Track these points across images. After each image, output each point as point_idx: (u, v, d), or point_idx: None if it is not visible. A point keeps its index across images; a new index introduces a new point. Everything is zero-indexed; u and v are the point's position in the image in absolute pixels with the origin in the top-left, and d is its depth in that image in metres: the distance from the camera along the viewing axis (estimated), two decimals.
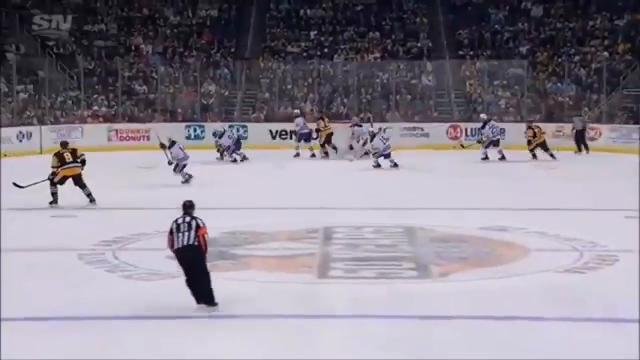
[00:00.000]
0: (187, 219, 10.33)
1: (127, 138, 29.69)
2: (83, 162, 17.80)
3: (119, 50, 35.81)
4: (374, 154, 24.84)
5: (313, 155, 27.68)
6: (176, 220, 10.32)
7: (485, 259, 13.37)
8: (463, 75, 35.32)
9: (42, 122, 29.93)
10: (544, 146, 27.19)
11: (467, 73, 35.37)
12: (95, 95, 33.18)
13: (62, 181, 17.50)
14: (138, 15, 38.03)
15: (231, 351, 8.77)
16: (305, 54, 36.64)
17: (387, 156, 24.62)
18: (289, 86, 34.71)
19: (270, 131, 31.17)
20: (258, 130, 30.56)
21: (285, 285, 11.77)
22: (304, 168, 24.94)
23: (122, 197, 19.02)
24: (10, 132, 27.98)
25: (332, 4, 39.30)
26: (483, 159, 26.94)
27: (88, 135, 28.17)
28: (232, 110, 33.52)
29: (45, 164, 21.10)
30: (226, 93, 34.40)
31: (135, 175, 22.42)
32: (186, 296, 10.70)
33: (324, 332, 9.65)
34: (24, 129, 28.81)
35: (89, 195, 17.64)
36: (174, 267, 12.20)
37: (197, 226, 10.13)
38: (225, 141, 25.56)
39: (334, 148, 27.74)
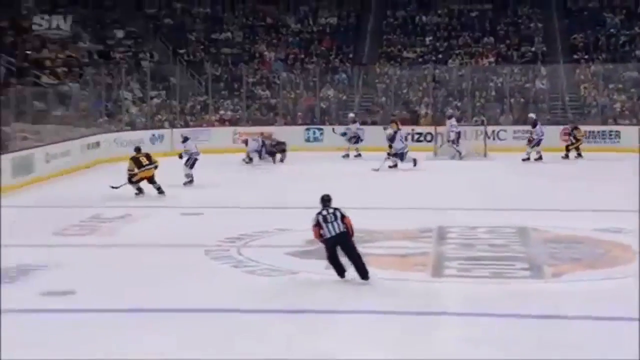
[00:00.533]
0: (331, 210, 11.30)
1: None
2: (156, 166, 19.31)
3: (244, 58, 36.31)
4: (393, 155, 24.55)
5: (359, 155, 27.92)
6: (321, 213, 11.27)
7: (599, 261, 13.05)
8: (577, 79, 34.38)
9: (172, 126, 30.56)
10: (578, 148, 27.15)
11: (581, 77, 34.39)
12: (222, 100, 33.67)
13: (138, 181, 19.07)
14: (262, 24, 38.53)
15: (348, 348, 8.77)
16: (420, 59, 36.43)
17: (402, 157, 24.39)
18: (405, 90, 34.49)
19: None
20: (374, 133, 30.48)
21: (400, 282, 11.72)
22: (415, 169, 24.66)
23: (245, 196, 19.28)
24: (144, 134, 28.75)
25: (448, 10, 39.12)
26: (526, 159, 26.39)
27: (214, 138, 28.63)
28: (347, 114, 33.53)
29: (174, 164, 21.68)
30: (344, 97, 34.43)
31: (257, 175, 22.64)
32: (304, 291, 10.86)
33: (439, 330, 9.59)
34: (156, 131, 29.53)
35: (158, 188, 19.15)
36: (293, 264, 12.45)
37: (342, 216, 11.24)
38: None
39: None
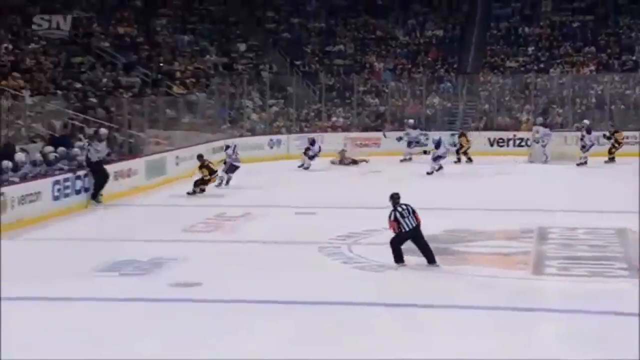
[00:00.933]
0: (404, 206, 12.05)
1: (361, 145, 30.12)
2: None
3: (355, 68, 36.59)
4: (434, 159, 24.52)
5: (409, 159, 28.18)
6: (396, 210, 11.99)
7: None
8: None
9: (289, 132, 31.04)
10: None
11: None
12: (334, 108, 33.97)
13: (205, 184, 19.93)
14: (372, 37, 38.71)
15: (450, 341, 8.81)
16: (522, 69, 35.95)
17: (436, 159, 24.42)
18: (507, 98, 34.09)
19: (489, 139, 30.73)
20: (477, 138, 30.28)
21: (501, 280, 11.72)
22: (514, 172, 24.36)
23: (354, 196, 19.44)
24: (263, 139, 29.31)
25: (550, 21, 38.48)
26: (581, 164, 25.96)
27: (327, 143, 28.90)
28: (454, 121, 33.34)
29: (290, 167, 22.01)
30: (448, 105, 34.25)
31: (364, 178, 22.79)
32: (410, 286, 11.00)
33: (538, 326, 9.61)
34: (274, 137, 30.05)
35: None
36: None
37: (413, 210, 12.01)
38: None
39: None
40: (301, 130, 31.59)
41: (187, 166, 22.72)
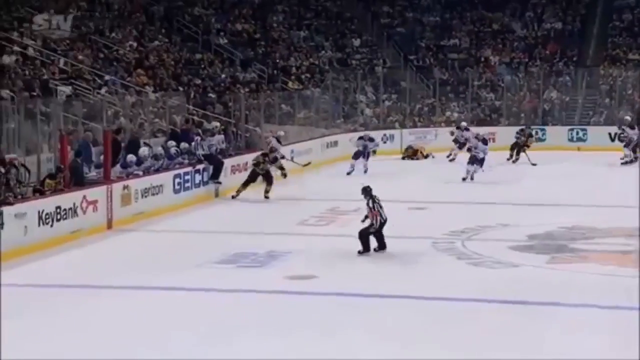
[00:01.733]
0: (377, 199, 13.05)
1: None
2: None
3: (470, 62, 36.13)
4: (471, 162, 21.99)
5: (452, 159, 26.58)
6: (376, 201, 13.01)
7: None
8: None
9: (402, 126, 31.02)
10: None
11: None
12: (448, 102, 33.70)
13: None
14: (488, 30, 38.18)
15: (566, 340, 8.74)
16: None
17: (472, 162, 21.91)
18: (629, 91, 33.03)
19: (609, 134, 29.85)
20: (597, 133, 29.46)
21: (618, 278, 11.48)
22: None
23: (469, 191, 19.24)
24: (376, 134, 29.32)
25: None
26: (629, 162, 24.84)
27: (440, 138, 28.69)
28: (573, 115, 32.56)
29: (404, 163, 21.93)
30: (567, 99, 33.46)
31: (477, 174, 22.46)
32: (526, 284, 10.94)
33: None
34: (387, 132, 30.04)
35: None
36: (515, 257, 12.37)
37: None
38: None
39: None
40: (414, 125, 31.50)
41: (301, 160, 22.93)
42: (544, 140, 29.61)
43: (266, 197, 18.66)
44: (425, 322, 9.49)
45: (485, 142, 22.63)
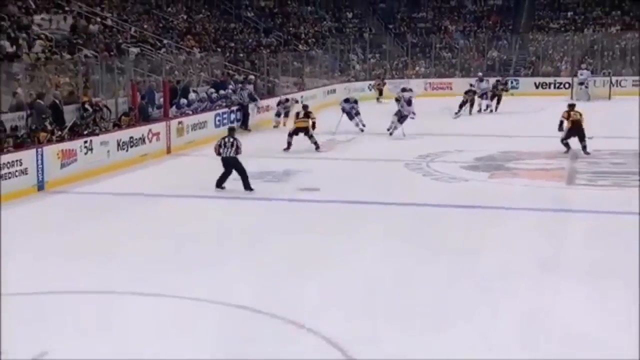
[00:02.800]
0: (231, 140, 11.09)
1: (437, 88, 29.49)
2: (313, 122, 15.47)
3: (434, 30, 35.37)
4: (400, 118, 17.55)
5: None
6: (223, 139, 11.17)
7: None
8: None
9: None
10: None
11: None
12: (417, 60, 33.14)
13: (294, 132, 15.34)
14: (447, 6, 37.21)
15: (510, 235, 8.70)
16: (563, 29, 33.98)
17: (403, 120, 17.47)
18: (550, 52, 32.48)
19: (535, 83, 29.66)
20: (526, 83, 29.16)
21: (545, 189, 11.44)
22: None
23: (433, 126, 19.00)
24: (363, 84, 29.07)
25: None
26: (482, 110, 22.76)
27: (412, 87, 28.27)
28: (508, 69, 32.05)
29: (384, 107, 21.53)
30: (504, 57, 32.85)
31: (442, 114, 22.23)
32: (475, 193, 10.88)
33: (570, 223, 9.40)
34: (372, 82, 29.49)
35: (315, 143, 15.12)
36: (465, 174, 12.23)
37: (237, 147, 11.01)
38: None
39: None
40: (392, 77, 31.01)
41: (310, 104, 22.60)
42: (517, 88, 28.42)
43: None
44: (409, 222, 9.49)
45: (409, 103, 18.29)
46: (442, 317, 6.10)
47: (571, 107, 14.46)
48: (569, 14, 35.35)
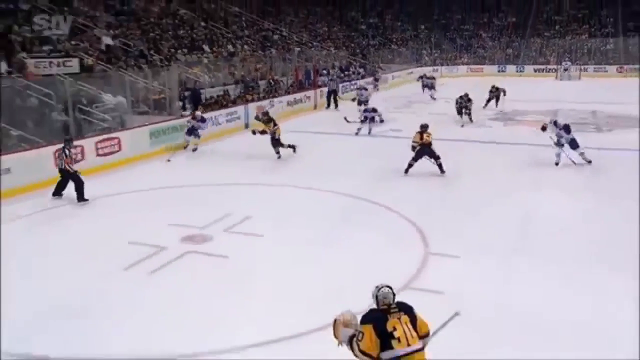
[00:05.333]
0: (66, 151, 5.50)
1: (475, 71, 25.89)
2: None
3: (473, 36, 30.69)
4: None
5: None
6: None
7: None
8: None
9: None
10: None
11: None
12: (463, 54, 29.07)
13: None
14: (482, 22, 31.96)
15: (510, 160, 7.72)
16: None
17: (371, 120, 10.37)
18: (544, 50, 27.18)
19: (534, 69, 25.29)
20: (529, 69, 24.88)
21: (541, 133, 8.75)
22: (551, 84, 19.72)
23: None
24: (429, 69, 25.57)
25: None
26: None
27: (458, 71, 25.10)
28: (517, 60, 27.44)
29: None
30: (516, 53, 28.02)
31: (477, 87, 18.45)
32: (489, 134, 9.56)
33: (517, 152, 7.92)
34: (436, 67, 25.94)
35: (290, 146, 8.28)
36: (489, 122, 10.69)
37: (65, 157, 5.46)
38: None
39: None
40: (448, 65, 27.17)
41: (396, 82, 20.28)
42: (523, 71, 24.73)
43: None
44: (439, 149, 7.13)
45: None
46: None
47: (424, 128, 7.13)
48: (557, 27, 29.72)
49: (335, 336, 2.34)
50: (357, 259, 4.19)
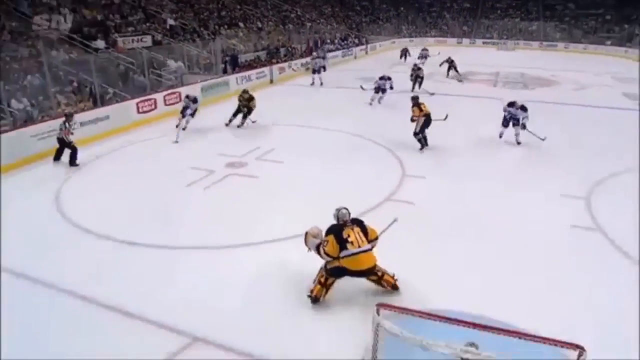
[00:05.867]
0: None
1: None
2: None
3: (473, 18, 24.79)
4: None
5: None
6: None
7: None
8: None
9: None
10: None
11: None
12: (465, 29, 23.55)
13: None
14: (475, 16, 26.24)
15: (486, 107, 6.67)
16: None
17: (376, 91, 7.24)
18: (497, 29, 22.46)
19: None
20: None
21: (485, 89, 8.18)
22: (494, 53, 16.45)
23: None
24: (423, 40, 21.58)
25: None
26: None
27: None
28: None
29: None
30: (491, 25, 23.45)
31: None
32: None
33: (489, 105, 6.75)
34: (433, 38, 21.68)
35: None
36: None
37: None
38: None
39: None
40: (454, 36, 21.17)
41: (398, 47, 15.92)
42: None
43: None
44: (438, 104, 5.80)
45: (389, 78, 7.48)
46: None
47: (416, 99, 5.04)
48: (498, 12, 23.14)
49: (306, 244, 2.48)
50: (355, 179, 4.16)
